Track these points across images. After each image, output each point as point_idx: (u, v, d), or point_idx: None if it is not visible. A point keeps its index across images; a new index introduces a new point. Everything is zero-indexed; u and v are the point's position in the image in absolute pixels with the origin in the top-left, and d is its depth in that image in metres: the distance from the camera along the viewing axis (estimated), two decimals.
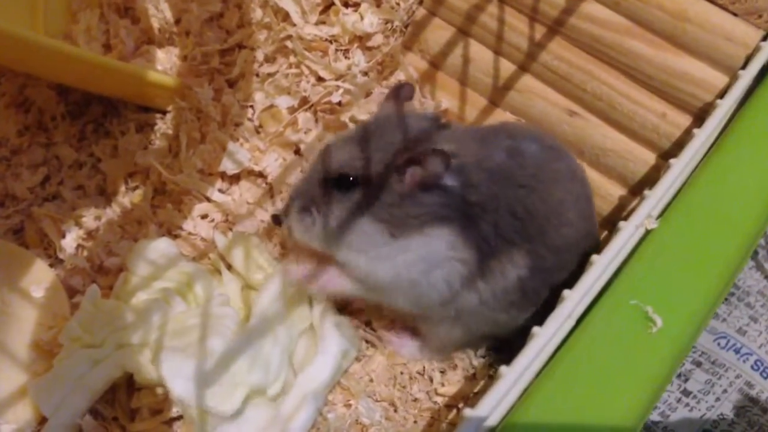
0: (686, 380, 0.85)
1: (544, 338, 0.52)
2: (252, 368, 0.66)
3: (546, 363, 0.54)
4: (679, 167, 0.63)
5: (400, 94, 0.69)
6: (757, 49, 0.71)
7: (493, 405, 0.49)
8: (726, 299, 0.92)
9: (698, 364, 0.87)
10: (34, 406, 0.67)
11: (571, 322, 0.55)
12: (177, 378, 0.64)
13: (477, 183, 0.63)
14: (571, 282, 0.60)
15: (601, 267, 0.56)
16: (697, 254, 0.60)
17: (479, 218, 0.63)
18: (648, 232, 0.61)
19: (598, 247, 0.73)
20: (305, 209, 0.66)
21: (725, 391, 0.85)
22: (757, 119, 0.68)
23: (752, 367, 0.87)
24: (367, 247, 0.66)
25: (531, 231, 0.65)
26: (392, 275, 0.66)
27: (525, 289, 0.66)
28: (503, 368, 0.51)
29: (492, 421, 0.50)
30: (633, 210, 0.64)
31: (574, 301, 0.54)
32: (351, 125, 0.86)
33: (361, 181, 0.64)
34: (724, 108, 0.66)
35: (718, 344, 0.89)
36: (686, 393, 0.85)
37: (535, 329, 0.53)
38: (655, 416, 0.82)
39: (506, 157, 0.66)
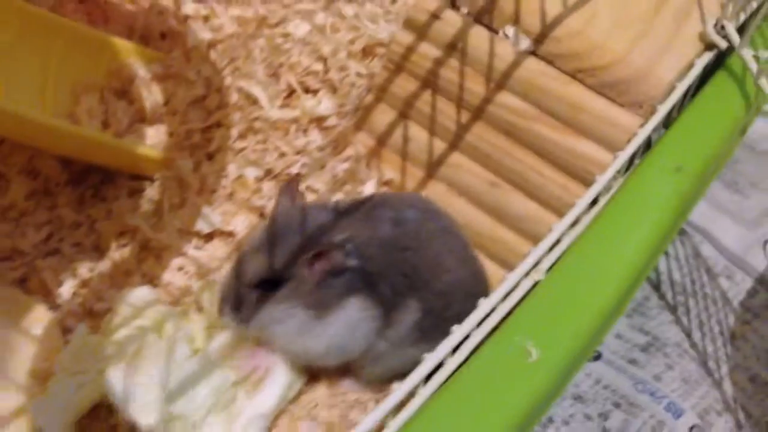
0: (606, 419, 0.92)
1: (426, 366, 0.58)
2: (176, 395, 0.73)
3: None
4: (559, 230, 0.70)
5: (290, 191, 0.76)
6: (634, 134, 0.78)
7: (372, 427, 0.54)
8: (646, 349, 0.99)
9: (617, 405, 0.93)
10: (30, 422, 0.74)
11: (461, 356, 0.62)
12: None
13: (371, 256, 0.73)
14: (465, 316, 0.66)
15: (484, 309, 0.63)
16: (576, 302, 0.66)
17: (378, 282, 0.73)
18: (536, 283, 0.68)
19: (488, 286, 0.82)
20: (236, 308, 0.74)
21: (639, 429, 0.91)
22: (632, 192, 0.75)
23: (665, 408, 0.93)
24: (298, 332, 0.75)
25: (419, 283, 0.75)
26: (324, 348, 0.76)
27: (422, 328, 0.76)
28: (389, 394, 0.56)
29: None
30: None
31: (458, 335, 0.61)
32: (308, 194, 0.95)
33: (279, 279, 0.72)
34: (601, 183, 0.74)
35: (636, 388, 0.95)
36: (605, 431, 0.91)
37: (424, 355, 0.59)
38: None
39: (392, 228, 0.75)
